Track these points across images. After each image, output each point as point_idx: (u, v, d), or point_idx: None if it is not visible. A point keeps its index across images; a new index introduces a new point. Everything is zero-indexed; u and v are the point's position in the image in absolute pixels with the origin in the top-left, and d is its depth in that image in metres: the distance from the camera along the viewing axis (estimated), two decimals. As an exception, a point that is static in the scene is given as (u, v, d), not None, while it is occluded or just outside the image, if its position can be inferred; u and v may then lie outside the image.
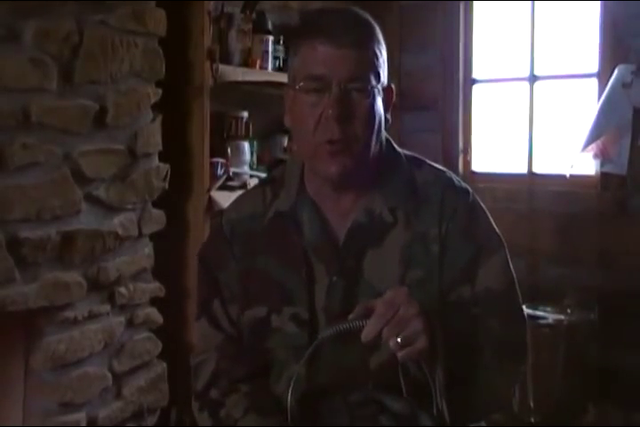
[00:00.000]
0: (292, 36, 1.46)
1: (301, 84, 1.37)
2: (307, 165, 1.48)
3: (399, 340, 1.20)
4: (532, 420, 3.14)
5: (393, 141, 1.52)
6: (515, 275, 1.48)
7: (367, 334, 1.22)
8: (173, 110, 2.74)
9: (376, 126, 1.40)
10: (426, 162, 1.53)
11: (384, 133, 1.47)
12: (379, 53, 1.39)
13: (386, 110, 1.44)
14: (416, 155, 1.55)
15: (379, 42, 1.40)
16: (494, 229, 1.49)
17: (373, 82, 1.37)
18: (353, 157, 1.38)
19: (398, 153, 1.51)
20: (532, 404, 3.12)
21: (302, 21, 1.47)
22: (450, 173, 1.52)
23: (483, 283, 1.42)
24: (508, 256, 1.48)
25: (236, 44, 2.99)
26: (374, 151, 1.41)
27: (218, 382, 1.47)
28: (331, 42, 1.34)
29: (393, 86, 1.46)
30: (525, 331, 1.50)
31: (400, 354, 1.21)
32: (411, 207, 1.43)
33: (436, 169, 1.52)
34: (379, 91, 1.39)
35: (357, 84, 1.36)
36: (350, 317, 1.26)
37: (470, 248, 1.43)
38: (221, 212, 1.62)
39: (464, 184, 1.52)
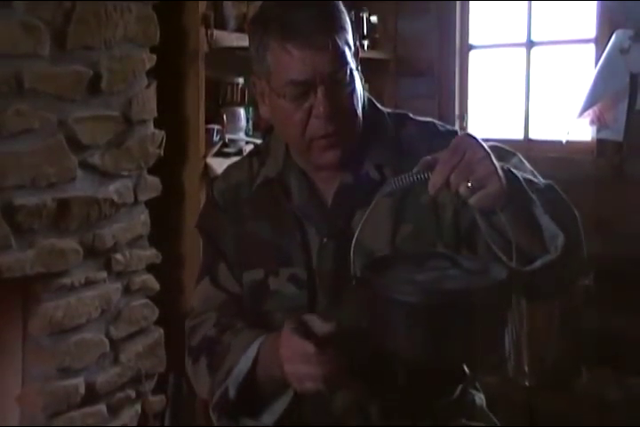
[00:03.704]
0: (257, 28, 1.38)
1: (285, 90, 1.35)
2: (297, 155, 1.47)
3: (469, 184, 1.13)
4: (527, 383, 3.17)
5: (375, 101, 1.51)
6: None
7: (434, 184, 1.14)
8: (168, 77, 2.72)
9: (360, 103, 1.40)
10: (408, 116, 1.53)
11: (366, 95, 1.46)
12: (346, 30, 1.36)
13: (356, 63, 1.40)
14: (400, 111, 1.54)
15: (342, 19, 1.36)
16: (494, 145, 1.36)
17: (351, 63, 1.36)
18: (346, 145, 1.39)
19: (381, 111, 1.51)
20: (526, 368, 3.15)
21: (265, 15, 1.38)
22: (434, 122, 1.51)
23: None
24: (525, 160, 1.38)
25: (230, 10, 2.96)
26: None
27: (216, 327, 1.46)
28: (304, 44, 1.31)
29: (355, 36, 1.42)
30: (577, 221, 1.40)
31: (472, 200, 1.14)
32: (397, 163, 1.41)
33: (419, 121, 1.51)
34: (355, 63, 1.38)
35: (340, 75, 1.34)
36: (414, 170, 1.18)
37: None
38: (212, 183, 1.62)
39: (450, 127, 1.51)
